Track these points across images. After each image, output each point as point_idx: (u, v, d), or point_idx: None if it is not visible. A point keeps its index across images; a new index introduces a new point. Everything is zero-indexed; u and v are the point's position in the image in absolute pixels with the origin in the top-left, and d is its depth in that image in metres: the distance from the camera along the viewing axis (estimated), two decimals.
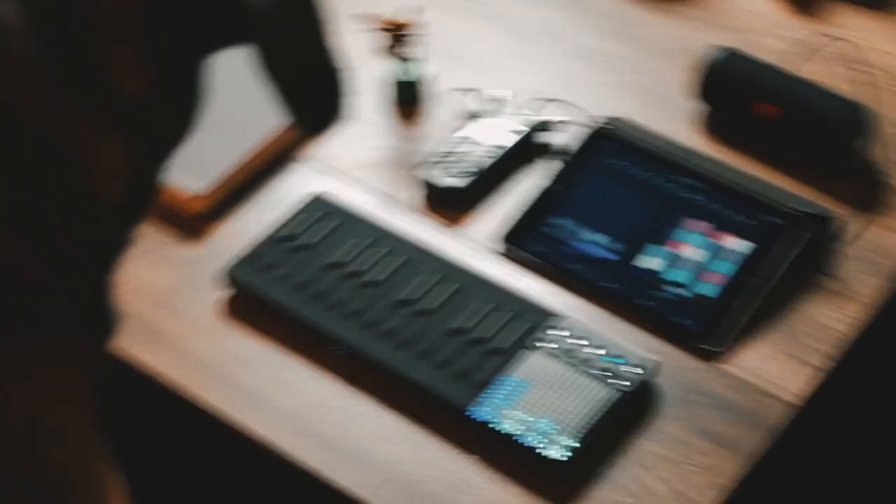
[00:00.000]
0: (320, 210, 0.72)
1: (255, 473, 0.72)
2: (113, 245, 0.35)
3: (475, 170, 0.74)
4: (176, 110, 0.36)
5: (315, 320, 0.66)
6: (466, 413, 0.60)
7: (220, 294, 0.69)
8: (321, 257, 0.69)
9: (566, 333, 0.64)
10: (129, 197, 0.34)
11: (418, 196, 0.76)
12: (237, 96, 0.73)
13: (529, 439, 0.58)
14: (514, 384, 0.62)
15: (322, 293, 0.67)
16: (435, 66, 0.82)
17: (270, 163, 0.77)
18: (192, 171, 0.70)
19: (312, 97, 0.35)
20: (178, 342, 0.67)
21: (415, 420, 0.62)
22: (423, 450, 0.61)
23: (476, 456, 0.60)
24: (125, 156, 0.33)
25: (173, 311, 0.69)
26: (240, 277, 0.68)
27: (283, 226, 0.71)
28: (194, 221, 0.74)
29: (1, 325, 0.29)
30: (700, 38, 0.83)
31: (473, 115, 0.78)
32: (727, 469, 0.58)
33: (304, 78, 0.34)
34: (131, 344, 0.64)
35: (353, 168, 0.78)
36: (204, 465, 0.82)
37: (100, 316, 0.34)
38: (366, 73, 0.79)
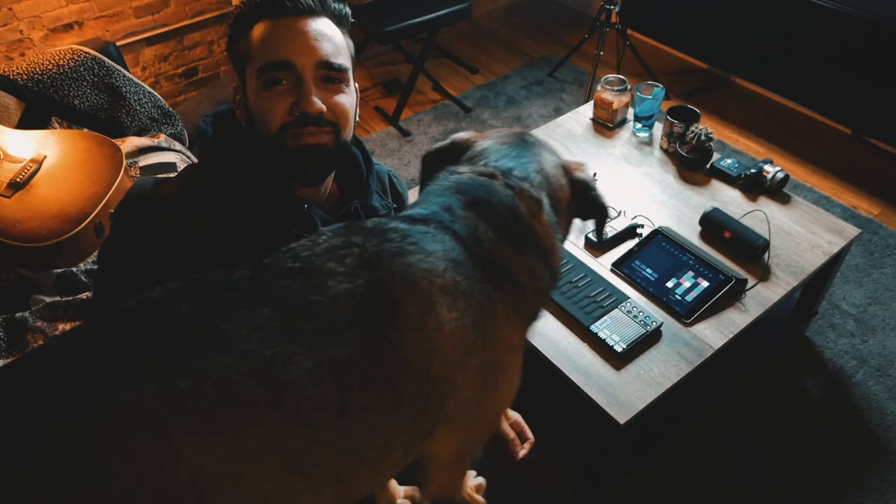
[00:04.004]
0: None
1: None
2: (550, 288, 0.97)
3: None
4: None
5: None
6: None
7: None
8: None
9: (630, 305, 1.62)
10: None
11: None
12: None
13: (609, 341, 1.56)
14: (609, 320, 1.59)
15: None
16: None
17: None
18: None
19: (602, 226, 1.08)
20: None
21: None
22: None
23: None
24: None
25: None
26: None
27: None
28: None
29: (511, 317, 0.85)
30: (704, 204, 1.85)
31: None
32: (685, 368, 1.54)
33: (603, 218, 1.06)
34: None
35: None
36: None
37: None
38: None
